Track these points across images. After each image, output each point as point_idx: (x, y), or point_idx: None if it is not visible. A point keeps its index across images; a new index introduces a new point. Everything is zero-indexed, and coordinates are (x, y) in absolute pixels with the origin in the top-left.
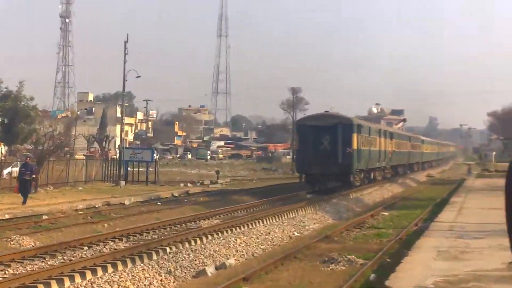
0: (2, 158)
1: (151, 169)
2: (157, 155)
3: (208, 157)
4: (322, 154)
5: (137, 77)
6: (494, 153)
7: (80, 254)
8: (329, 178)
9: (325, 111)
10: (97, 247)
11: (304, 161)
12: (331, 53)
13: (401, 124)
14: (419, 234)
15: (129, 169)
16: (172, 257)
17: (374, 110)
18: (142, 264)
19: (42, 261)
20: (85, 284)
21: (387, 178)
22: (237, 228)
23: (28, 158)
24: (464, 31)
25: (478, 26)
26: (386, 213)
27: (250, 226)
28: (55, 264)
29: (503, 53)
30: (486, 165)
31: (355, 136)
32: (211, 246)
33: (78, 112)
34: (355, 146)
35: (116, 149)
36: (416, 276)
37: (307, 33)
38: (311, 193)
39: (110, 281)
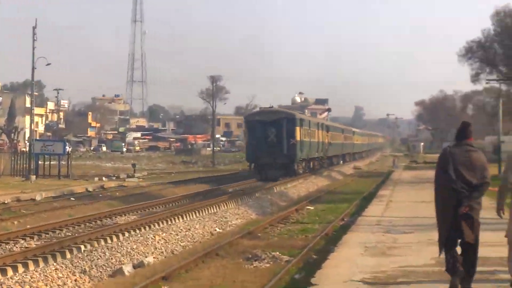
0: None
1: (63, 162)
2: (69, 147)
3: (124, 149)
4: (270, 145)
5: (47, 64)
6: (422, 144)
7: None
8: (276, 167)
9: (270, 106)
10: (7, 246)
11: (253, 152)
12: (255, 40)
13: (325, 114)
14: (346, 229)
15: (40, 162)
16: (87, 255)
17: (298, 99)
18: (55, 264)
19: None
20: None
21: (323, 167)
22: (156, 224)
23: None
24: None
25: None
26: (312, 207)
27: (169, 222)
28: None
29: (432, 45)
30: (414, 157)
31: (298, 129)
32: (128, 243)
33: None
34: (298, 138)
35: (26, 141)
36: (343, 273)
37: (229, 19)
38: (261, 180)
39: (21, 282)
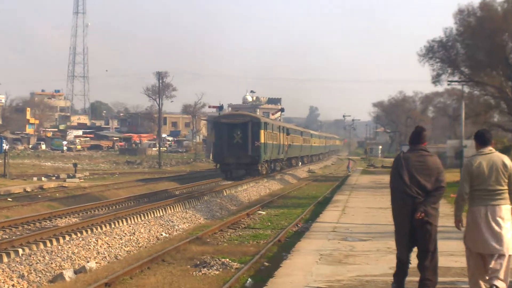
0: None
1: (0, 161)
2: (6, 145)
3: (65, 148)
4: (235, 146)
5: None
6: (380, 147)
7: None
8: (241, 167)
9: (236, 111)
10: None
11: (220, 153)
12: (203, 35)
13: (278, 113)
14: (300, 235)
15: None
16: (25, 259)
17: (249, 98)
18: None
19: None
20: None
21: (283, 169)
22: (98, 227)
23: None
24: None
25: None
26: (263, 212)
27: (113, 226)
28: None
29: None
30: (371, 160)
31: (262, 132)
32: (69, 247)
33: None
34: (262, 140)
35: None
36: (296, 282)
37: (177, 12)
38: (227, 179)
39: None
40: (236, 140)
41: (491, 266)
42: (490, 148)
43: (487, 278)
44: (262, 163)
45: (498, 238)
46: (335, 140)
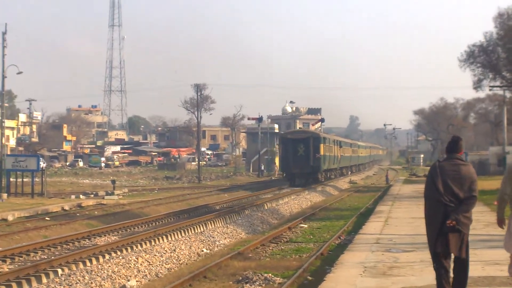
0: None
1: (37, 179)
2: (43, 163)
3: (102, 164)
4: (299, 158)
5: (18, 73)
6: (422, 155)
7: None
8: (304, 176)
9: (300, 128)
10: None
11: (286, 164)
12: (242, 47)
13: (318, 124)
14: (343, 248)
15: (11, 179)
16: (64, 280)
17: (289, 109)
18: None
19: None
20: None
21: (336, 177)
22: (138, 245)
23: None
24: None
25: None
26: (305, 225)
27: (153, 243)
28: None
29: (429, 50)
30: (413, 170)
31: (322, 145)
32: (109, 266)
33: None
34: (322, 152)
35: None
36: None
37: (214, 23)
38: (291, 186)
39: None
40: (300, 153)
41: None
42: None
43: None
44: (321, 172)
45: None
46: (378, 150)
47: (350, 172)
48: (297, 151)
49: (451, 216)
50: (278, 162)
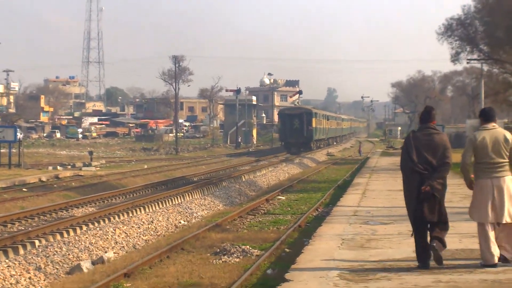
0: None
1: (14, 150)
2: (20, 134)
3: (80, 135)
4: (295, 131)
5: None
6: (399, 128)
7: None
8: (299, 145)
9: (295, 104)
10: None
11: (284, 135)
12: (220, 19)
13: (296, 96)
14: (321, 220)
15: None
16: (41, 251)
17: (267, 81)
18: (7, 260)
19: None
20: None
21: (325, 146)
22: (116, 216)
23: None
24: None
25: None
26: (283, 197)
27: (131, 214)
28: None
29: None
30: (391, 142)
31: (313, 119)
32: (86, 238)
33: None
34: (314, 125)
35: None
36: (319, 268)
37: None
38: (288, 153)
39: None
40: (295, 126)
41: (498, 235)
42: (494, 124)
43: (495, 246)
44: (313, 141)
45: (502, 207)
46: (358, 123)
47: (335, 142)
48: (293, 124)
49: (426, 182)
50: (278, 133)
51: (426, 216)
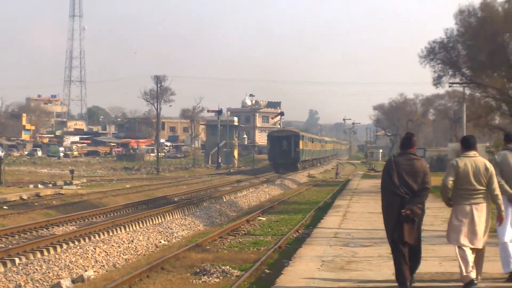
0: None
1: None
2: (2, 151)
3: (61, 154)
4: (283, 152)
5: None
6: (381, 150)
7: None
8: (287, 165)
9: (283, 127)
10: None
11: (273, 156)
12: (202, 40)
13: (278, 117)
14: (301, 241)
15: None
16: (22, 269)
17: (248, 102)
18: None
19: None
20: None
21: (310, 167)
22: (96, 235)
23: None
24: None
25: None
26: (264, 218)
27: (111, 233)
28: None
29: (389, 47)
30: (372, 164)
31: (301, 141)
32: (67, 256)
33: None
34: (300, 147)
35: None
36: None
37: (174, 16)
38: (276, 173)
39: None
40: (284, 148)
41: (474, 259)
42: (474, 152)
43: (472, 269)
44: (300, 162)
45: (477, 233)
46: (341, 145)
47: (319, 163)
48: (281, 145)
49: (406, 206)
50: (268, 155)
51: (406, 237)
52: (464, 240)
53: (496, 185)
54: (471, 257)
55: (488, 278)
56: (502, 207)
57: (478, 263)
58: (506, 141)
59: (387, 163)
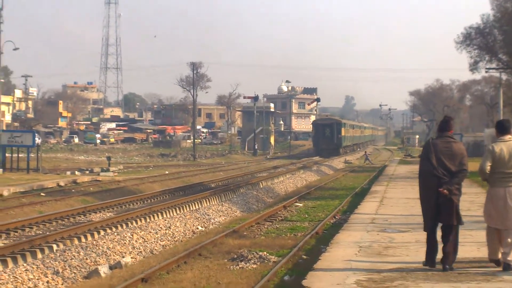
0: None
1: (32, 155)
2: (39, 139)
3: (98, 141)
4: (326, 138)
5: (14, 49)
6: (417, 136)
7: None
8: (329, 151)
9: (327, 115)
10: None
11: (317, 142)
12: (239, 26)
13: (314, 103)
14: (338, 227)
15: (7, 155)
16: (59, 255)
17: (284, 88)
18: (25, 264)
19: None
20: None
21: (350, 152)
22: (133, 222)
23: None
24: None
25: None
26: (301, 204)
27: (148, 220)
28: None
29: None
30: (409, 150)
31: (342, 129)
32: (104, 242)
33: None
34: (342, 134)
35: None
36: (336, 275)
37: (208, 3)
38: (321, 157)
39: None
40: (327, 134)
41: (507, 241)
42: (510, 136)
43: (502, 251)
44: (342, 147)
45: (510, 216)
46: (378, 131)
47: (359, 148)
48: (325, 132)
49: (444, 186)
50: (312, 141)
51: (446, 217)
52: (497, 221)
53: None
54: (499, 238)
55: None
56: None
57: (509, 245)
58: None
59: (425, 146)
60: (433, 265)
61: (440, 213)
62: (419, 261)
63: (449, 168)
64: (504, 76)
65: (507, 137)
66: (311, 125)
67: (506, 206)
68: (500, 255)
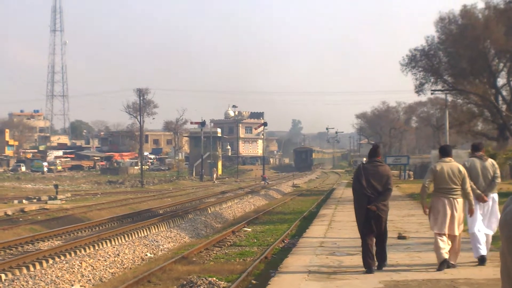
0: None
1: None
2: None
3: (45, 169)
4: (303, 160)
5: None
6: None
7: None
8: (304, 168)
9: (302, 145)
10: None
11: (297, 162)
12: (183, 49)
13: (261, 128)
14: (287, 251)
15: None
16: (8, 285)
17: (231, 113)
18: None
19: None
20: None
21: (316, 168)
22: (82, 250)
23: None
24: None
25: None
26: (249, 229)
27: (97, 247)
28: None
29: (371, 55)
30: None
31: (313, 153)
32: (53, 271)
33: None
34: (313, 157)
35: None
36: None
37: (153, 29)
38: (298, 171)
39: None
40: (303, 157)
41: (451, 246)
42: (450, 158)
43: (448, 254)
44: (313, 165)
45: (453, 222)
46: (337, 153)
47: (320, 167)
48: (301, 156)
49: (372, 203)
50: (294, 161)
51: (374, 228)
52: (443, 228)
53: (468, 185)
54: (447, 243)
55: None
56: (473, 202)
57: (455, 250)
58: (473, 151)
59: (357, 169)
60: (371, 271)
61: (371, 225)
62: (368, 283)
63: (377, 188)
64: (449, 98)
65: (448, 159)
66: (292, 151)
67: (449, 214)
68: (447, 255)
